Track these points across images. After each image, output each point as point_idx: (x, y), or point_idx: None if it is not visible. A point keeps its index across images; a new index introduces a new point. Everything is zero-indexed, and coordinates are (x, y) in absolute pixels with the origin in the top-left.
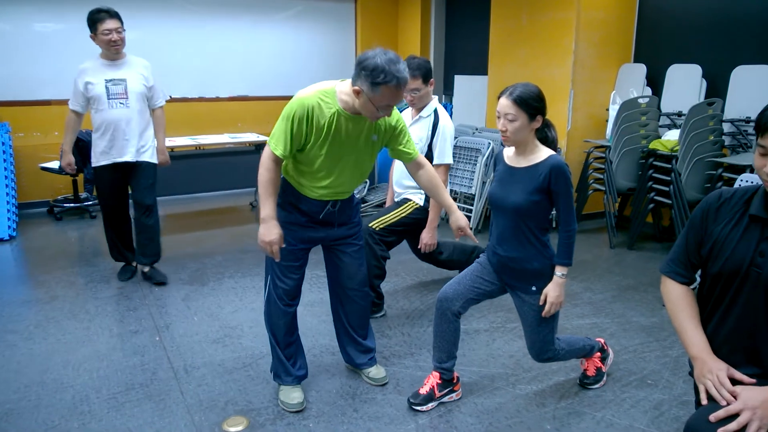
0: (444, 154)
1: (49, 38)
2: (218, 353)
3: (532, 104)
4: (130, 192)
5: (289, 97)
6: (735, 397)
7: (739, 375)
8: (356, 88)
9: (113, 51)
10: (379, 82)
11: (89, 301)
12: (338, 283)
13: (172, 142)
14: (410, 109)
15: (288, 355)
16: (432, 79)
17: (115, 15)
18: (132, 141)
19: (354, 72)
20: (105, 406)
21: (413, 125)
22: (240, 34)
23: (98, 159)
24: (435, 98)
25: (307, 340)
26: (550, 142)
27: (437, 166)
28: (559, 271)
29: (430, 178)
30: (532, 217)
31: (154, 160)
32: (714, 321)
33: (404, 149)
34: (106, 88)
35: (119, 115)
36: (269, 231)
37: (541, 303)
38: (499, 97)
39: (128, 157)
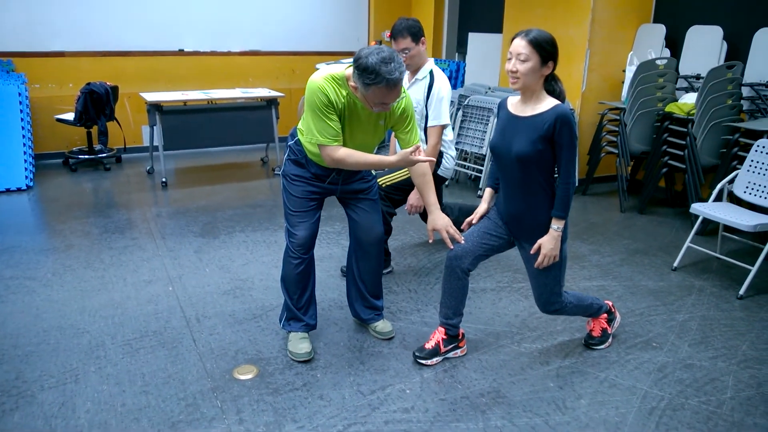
0: (439, 115)
1: None
2: (229, 304)
3: (546, 47)
4: None
5: (300, 54)
6: None
7: None
8: (353, 84)
9: None
10: (368, 83)
11: (104, 251)
12: (355, 237)
13: (184, 95)
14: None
15: (299, 306)
16: (423, 38)
17: None
18: None
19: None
20: (120, 351)
21: (410, 88)
22: None
23: None
24: (431, 60)
25: (316, 294)
26: (557, 95)
27: (432, 126)
28: (555, 224)
29: (424, 172)
30: (536, 166)
31: None
32: None
33: (405, 137)
34: None
35: None
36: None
37: (532, 252)
38: (512, 40)
39: None
